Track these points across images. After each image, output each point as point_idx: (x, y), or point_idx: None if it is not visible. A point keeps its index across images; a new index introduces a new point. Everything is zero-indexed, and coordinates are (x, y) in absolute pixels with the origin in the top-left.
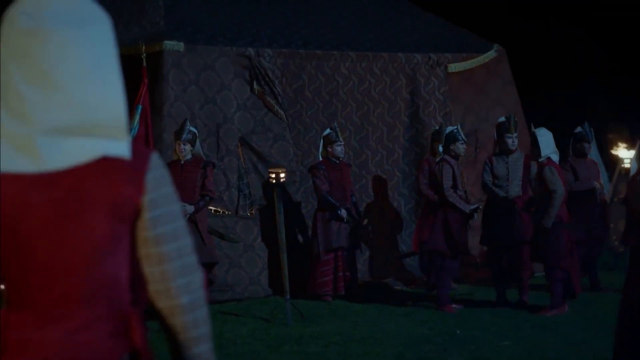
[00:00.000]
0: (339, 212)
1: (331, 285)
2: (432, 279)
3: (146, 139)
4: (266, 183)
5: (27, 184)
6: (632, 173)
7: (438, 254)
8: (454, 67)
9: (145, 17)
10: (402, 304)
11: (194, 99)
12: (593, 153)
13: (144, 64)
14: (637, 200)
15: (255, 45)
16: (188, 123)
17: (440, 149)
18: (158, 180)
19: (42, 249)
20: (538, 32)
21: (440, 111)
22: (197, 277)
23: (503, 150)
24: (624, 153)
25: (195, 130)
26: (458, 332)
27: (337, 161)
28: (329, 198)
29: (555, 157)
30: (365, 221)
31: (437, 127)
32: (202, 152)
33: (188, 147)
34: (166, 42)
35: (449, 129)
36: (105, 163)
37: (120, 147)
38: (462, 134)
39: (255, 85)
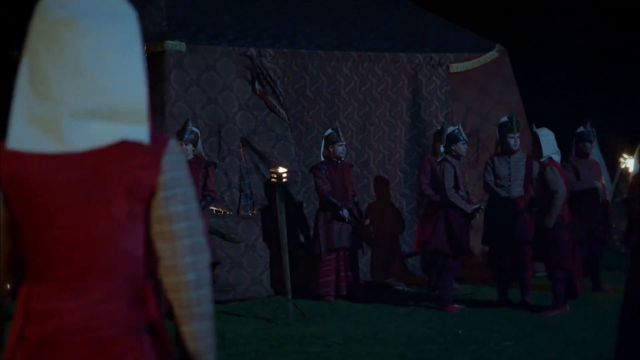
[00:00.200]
0: (340, 212)
1: (333, 285)
2: (433, 279)
3: None
4: (268, 183)
5: (51, 164)
6: (633, 173)
7: (440, 254)
8: (455, 67)
9: (147, 17)
10: (404, 304)
11: (195, 99)
12: (595, 153)
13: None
14: (637, 201)
15: (257, 45)
16: (190, 123)
17: (442, 149)
18: (174, 164)
19: (64, 224)
20: (540, 31)
21: (442, 111)
22: (205, 257)
23: (505, 150)
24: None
25: (198, 131)
26: (460, 332)
27: (339, 161)
28: (331, 198)
29: (557, 157)
30: (367, 221)
31: (438, 127)
32: (203, 152)
33: (190, 147)
34: (168, 42)
35: (451, 129)
36: (125, 146)
37: (140, 132)
38: (463, 134)
39: (257, 86)
